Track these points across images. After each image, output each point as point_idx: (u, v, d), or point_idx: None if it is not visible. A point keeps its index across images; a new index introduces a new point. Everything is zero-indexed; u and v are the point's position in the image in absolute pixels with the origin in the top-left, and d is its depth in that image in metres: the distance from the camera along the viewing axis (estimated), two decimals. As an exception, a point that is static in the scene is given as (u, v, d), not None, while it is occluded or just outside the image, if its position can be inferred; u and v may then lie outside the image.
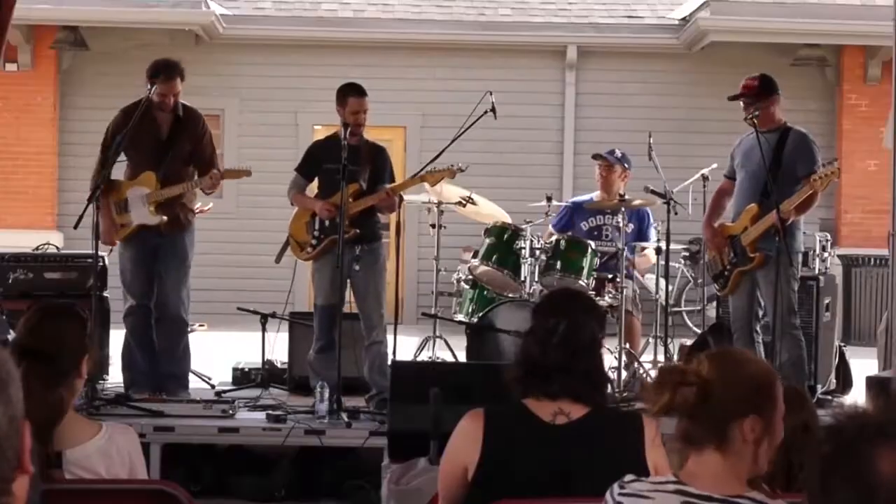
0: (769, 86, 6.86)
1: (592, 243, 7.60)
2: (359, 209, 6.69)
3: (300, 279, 7.28)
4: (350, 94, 6.83)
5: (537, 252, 7.50)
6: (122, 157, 7.01)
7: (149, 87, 6.84)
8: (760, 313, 6.89)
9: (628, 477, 2.59)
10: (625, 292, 7.39)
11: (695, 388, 2.46)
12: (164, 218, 6.85)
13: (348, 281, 6.80)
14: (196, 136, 7.00)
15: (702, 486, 2.45)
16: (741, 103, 6.79)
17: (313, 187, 7.20)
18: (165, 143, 6.93)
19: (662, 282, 7.75)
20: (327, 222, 6.83)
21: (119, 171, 7.07)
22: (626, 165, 8.15)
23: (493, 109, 7.31)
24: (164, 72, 6.90)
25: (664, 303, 7.70)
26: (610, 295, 7.62)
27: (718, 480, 2.46)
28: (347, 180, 6.59)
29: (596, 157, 8.32)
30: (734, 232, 6.90)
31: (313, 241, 6.94)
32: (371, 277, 6.81)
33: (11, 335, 6.07)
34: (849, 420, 1.44)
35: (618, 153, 8.23)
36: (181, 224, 6.96)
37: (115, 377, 7.38)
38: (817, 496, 1.44)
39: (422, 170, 7.23)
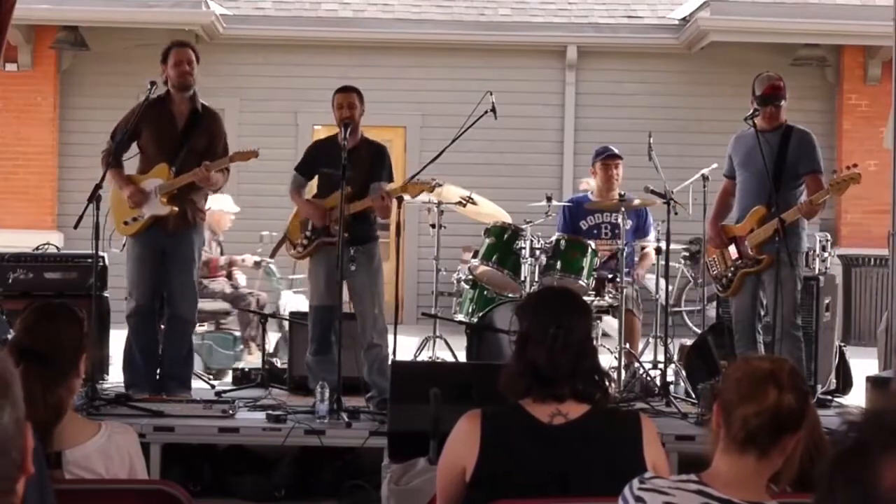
0: (785, 87, 6.93)
1: (592, 243, 7.59)
2: (351, 213, 6.67)
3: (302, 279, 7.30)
4: (337, 91, 6.88)
5: (537, 252, 7.49)
6: (135, 151, 7.04)
7: (151, 84, 6.82)
8: (762, 313, 6.89)
9: (648, 473, 2.60)
10: (625, 292, 7.38)
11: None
12: (175, 209, 6.85)
13: (344, 282, 6.79)
14: (212, 133, 6.99)
15: (723, 488, 2.46)
16: (756, 104, 6.77)
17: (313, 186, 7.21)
18: (181, 136, 6.93)
19: (662, 282, 7.74)
20: (317, 224, 6.85)
21: (131, 168, 7.08)
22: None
23: (493, 109, 7.30)
24: (176, 44, 7.05)
25: (664, 303, 7.70)
26: (610, 295, 7.61)
27: (743, 485, 2.47)
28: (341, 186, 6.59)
29: (613, 156, 8.20)
30: (739, 233, 6.90)
31: (304, 242, 6.96)
32: (366, 278, 6.79)
33: (11, 335, 6.07)
34: (867, 422, 1.44)
35: (614, 148, 8.27)
36: (188, 222, 6.94)
37: (115, 377, 7.38)
38: (823, 493, 1.44)
39: (413, 176, 7.20)
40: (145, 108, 6.82)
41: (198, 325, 8.58)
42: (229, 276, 9.58)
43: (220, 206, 9.63)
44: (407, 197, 7.16)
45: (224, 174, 7.04)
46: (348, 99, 6.79)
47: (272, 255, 7.35)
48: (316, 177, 7.08)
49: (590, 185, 10.10)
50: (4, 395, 1.51)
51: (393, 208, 6.89)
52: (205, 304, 9.06)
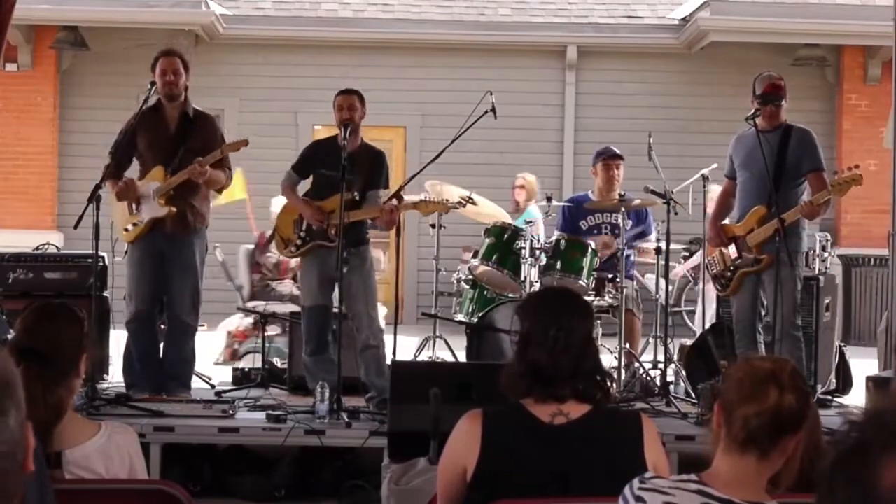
0: (786, 87, 6.93)
1: (592, 243, 7.59)
2: (352, 220, 6.66)
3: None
4: (338, 93, 6.89)
5: (537, 252, 7.49)
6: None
7: (151, 84, 6.84)
8: (763, 313, 6.89)
9: (649, 473, 2.60)
10: (625, 292, 7.38)
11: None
12: (173, 209, 6.84)
13: (337, 284, 6.80)
14: (207, 136, 6.98)
15: (723, 488, 2.46)
16: (757, 103, 6.78)
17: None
18: (175, 139, 6.94)
19: (662, 282, 7.74)
20: (314, 225, 6.85)
21: (132, 175, 7.10)
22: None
23: (493, 109, 7.29)
24: (163, 53, 7.05)
25: (664, 303, 7.69)
26: (610, 295, 7.61)
27: (743, 485, 2.47)
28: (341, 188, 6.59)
29: (614, 156, 8.20)
30: (739, 233, 6.90)
31: (298, 241, 6.94)
32: (359, 280, 6.78)
33: (12, 335, 6.07)
34: (867, 421, 1.44)
35: (615, 149, 8.28)
36: (188, 225, 6.93)
37: (115, 377, 7.38)
38: (823, 493, 1.44)
39: (404, 183, 7.20)
40: (140, 118, 6.86)
41: (266, 328, 8.51)
42: (295, 279, 9.54)
43: None
44: (408, 196, 7.17)
45: (225, 172, 7.04)
46: (349, 101, 6.79)
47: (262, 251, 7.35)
48: (311, 177, 7.07)
49: (526, 180, 10.03)
50: (10, 397, 1.51)
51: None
52: (273, 307, 9.02)
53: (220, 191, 7.36)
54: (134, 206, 6.93)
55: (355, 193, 6.74)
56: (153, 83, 6.84)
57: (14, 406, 1.52)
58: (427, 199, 7.08)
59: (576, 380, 3.05)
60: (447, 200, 7.09)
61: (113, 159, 6.92)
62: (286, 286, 9.39)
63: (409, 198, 7.30)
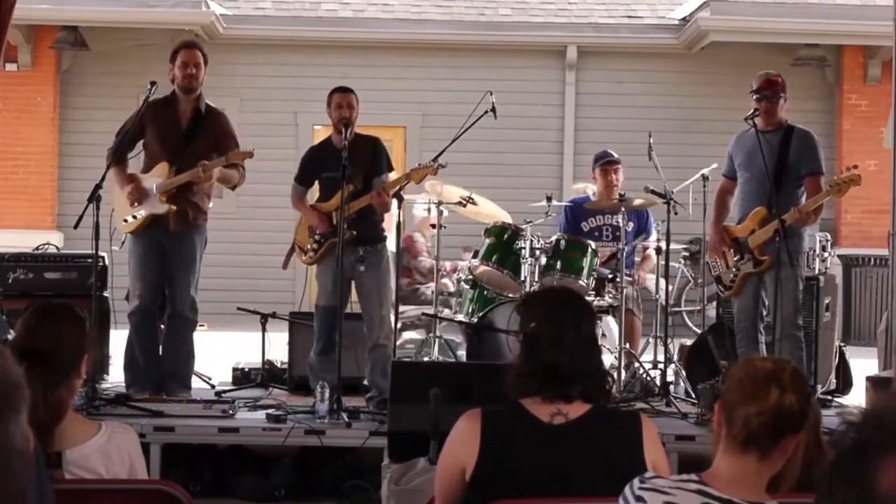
0: (785, 85, 6.92)
1: (592, 243, 7.59)
2: (354, 210, 6.67)
3: (303, 279, 7.27)
4: (334, 92, 6.89)
5: (537, 252, 7.49)
6: (140, 149, 7.06)
7: (152, 84, 6.83)
8: (764, 313, 6.90)
9: (649, 473, 2.61)
10: (625, 292, 7.38)
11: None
12: (173, 207, 6.85)
13: (351, 282, 6.80)
14: (217, 134, 6.99)
15: (724, 488, 2.46)
16: (753, 98, 6.79)
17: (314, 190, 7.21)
18: (185, 136, 6.94)
19: (662, 282, 7.75)
20: (321, 230, 6.85)
21: (136, 168, 7.10)
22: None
23: (493, 109, 7.30)
24: (185, 45, 7.05)
25: (664, 303, 7.70)
26: (610, 295, 7.61)
27: (744, 485, 2.47)
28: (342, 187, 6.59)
29: (612, 161, 8.21)
30: (740, 234, 6.90)
31: (314, 246, 6.95)
32: (375, 278, 6.79)
33: (12, 335, 6.07)
34: (866, 422, 1.44)
35: (613, 153, 8.28)
36: (188, 222, 6.95)
37: (115, 377, 7.38)
38: (822, 493, 1.44)
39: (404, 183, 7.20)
40: (150, 107, 6.86)
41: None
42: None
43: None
44: (409, 196, 7.15)
45: (239, 171, 7.04)
46: (347, 99, 6.79)
47: (284, 266, 7.29)
48: (316, 182, 7.07)
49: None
50: (22, 397, 1.52)
51: (393, 207, 6.90)
52: (423, 309, 8.81)
53: (233, 188, 7.35)
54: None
55: (357, 185, 6.75)
56: (153, 83, 6.82)
57: (25, 405, 1.53)
58: (417, 167, 7.04)
59: (587, 379, 3.06)
60: (434, 162, 7.01)
61: (117, 140, 6.90)
62: (431, 286, 9.24)
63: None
